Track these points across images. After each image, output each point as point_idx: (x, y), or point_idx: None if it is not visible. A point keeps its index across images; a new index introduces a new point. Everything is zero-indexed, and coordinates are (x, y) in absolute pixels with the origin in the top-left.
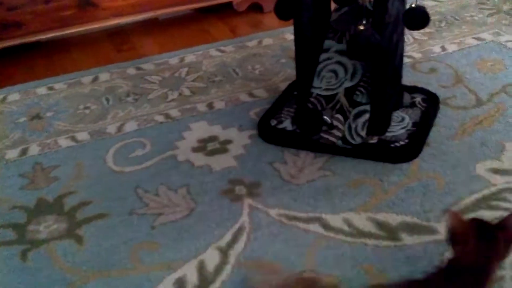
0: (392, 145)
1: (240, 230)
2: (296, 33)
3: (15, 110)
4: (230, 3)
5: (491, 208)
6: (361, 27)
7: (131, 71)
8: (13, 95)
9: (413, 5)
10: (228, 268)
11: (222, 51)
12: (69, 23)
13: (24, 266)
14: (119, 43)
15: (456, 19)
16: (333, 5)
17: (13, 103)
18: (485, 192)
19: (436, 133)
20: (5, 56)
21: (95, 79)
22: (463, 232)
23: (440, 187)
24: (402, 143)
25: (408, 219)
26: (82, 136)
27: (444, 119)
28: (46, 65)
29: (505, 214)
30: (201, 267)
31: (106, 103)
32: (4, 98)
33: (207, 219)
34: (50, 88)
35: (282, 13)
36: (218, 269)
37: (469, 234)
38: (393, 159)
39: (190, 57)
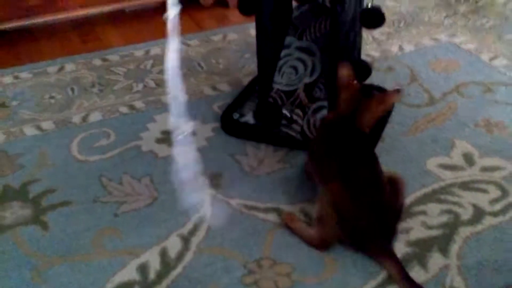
0: None
1: (201, 218)
2: (257, 29)
3: None
4: None
5: (440, 201)
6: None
7: (97, 62)
8: None
9: (369, 5)
10: (189, 255)
11: (187, 45)
12: (35, 13)
13: None
14: (85, 33)
15: (414, 20)
16: (294, 3)
17: None
18: (435, 186)
19: (391, 129)
20: None
21: (61, 69)
22: (348, 82)
23: None
24: None
25: None
26: (47, 125)
27: (398, 116)
28: (11, 54)
29: (453, 207)
30: (163, 254)
31: (71, 93)
32: None
33: (170, 208)
34: (16, 77)
35: (245, 8)
36: (180, 255)
37: (352, 85)
38: None
39: (155, 49)
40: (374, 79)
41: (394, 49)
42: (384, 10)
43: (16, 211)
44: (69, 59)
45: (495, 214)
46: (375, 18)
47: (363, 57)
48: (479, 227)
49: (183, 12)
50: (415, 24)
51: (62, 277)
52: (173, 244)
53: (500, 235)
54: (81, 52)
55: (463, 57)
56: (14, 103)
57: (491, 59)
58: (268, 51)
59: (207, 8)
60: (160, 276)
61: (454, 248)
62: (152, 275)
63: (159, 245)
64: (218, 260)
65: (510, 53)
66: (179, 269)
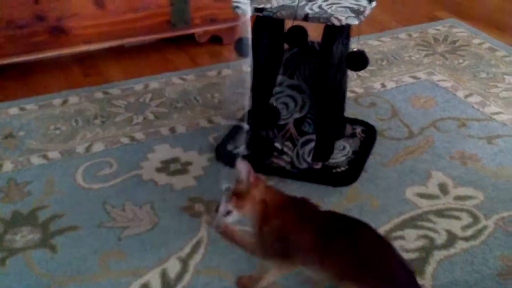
0: (334, 171)
1: (198, 242)
2: (252, 69)
3: None
4: (192, 35)
5: (417, 227)
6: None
7: (99, 95)
8: None
9: (354, 50)
10: (188, 276)
11: (184, 79)
12: (41, 48)
13: (3, 271)
14: (87, 68)
15: (396, 59)
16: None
17: None
18: (412, 213)
19: (373, 160)
20: None
21: (65, 101)
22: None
23: (374, 208)
24: (342, 169)
25: None
26: (53, 155)
27: (380, 148)
28: (18, 87)
29: (428, 232)
30: (163, 274)
31: (75, 125)
32: None
33: (169, 232)
34: (22, 109)
35: (241, 51)
36: (179, 276)
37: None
38: (335, 183)
39: (154, 84)
40: (358, 114)
41: (377, 86)
42: (367, 50)
43: (26, 235)
44: (73, 92)
45: (466, 239)
46: (360, 61)
47: (348, 93)
48: (452, 251)
49: (178, 48)
50: (397, 62)
51: None
52: (173, 266)
53: (471, 258)
54: (84, 86)
55: (440, 94)
56: (21, 133)
57: (466, 96)
58: (261, 88)
59: (202, 44)
60: None
61: (429, 269)
62: None
63: (160, 266)
64: (215, 280)
65: (484, 91)
66: None
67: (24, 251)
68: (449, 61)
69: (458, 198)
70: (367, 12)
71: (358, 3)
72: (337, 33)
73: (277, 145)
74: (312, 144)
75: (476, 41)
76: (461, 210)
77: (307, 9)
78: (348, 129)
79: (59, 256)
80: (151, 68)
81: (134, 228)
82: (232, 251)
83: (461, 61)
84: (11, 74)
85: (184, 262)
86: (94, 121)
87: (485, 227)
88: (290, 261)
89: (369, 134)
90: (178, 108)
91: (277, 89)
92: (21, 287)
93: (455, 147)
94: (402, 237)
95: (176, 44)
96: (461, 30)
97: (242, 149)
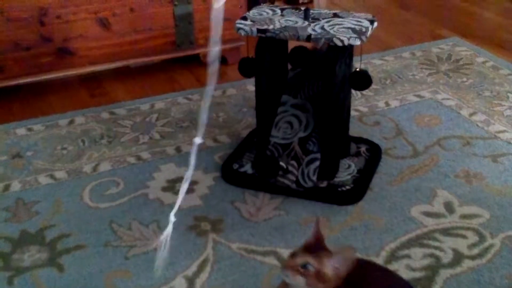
0: (339, 189)
1: (204, 261)
2: (256, 89)
3: None
4: (197, 55)
5: (423, 245)
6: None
7: (105, 115)
8: None
9: (357, 69)
10: None
11: (189, 99)
12: (47, 69)
13: None
14: (92, 88)
15: (400, 78)
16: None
17: None
18: (418, 232)
19: (378, 179)
20: None
21: (71, 122)
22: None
23: (379, 226)
24: (348, 187)
25: None
26: (60, 174)
27: (385, 167)
28: (24, 108)
29: (434, 251)
30: None
31: (81, 145)
32: None
33: (175, 251)
34: (29, 129)
35: (245, 71)
36: None
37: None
38: (340, 202)
39: (159, 104)
40: (362, 133)
41: (381, 104)
42: (371, 69)
43: (33, 254)
44: (79, 112)
45: (473, 258)
46: (363, 81)
47: (352, 112)
48: (458, 270)
49: (184, 68)
50: (400, 81)
51: None
52: (180, 285)
53: (477, 277)
54: (90, 106)
55: (445, 113)
56: (28, 153)
57: (471, 114)
58: (266, 108)
59: (207, 64)
60: None
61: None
62: None
63: (166, 285)
64: None
65: (488, 109)
66: None
67: (32, 270)
68: (452, 79)
69: (464, 216)
70: (369, 32)
71: (360, 24)
72: (340, 54)
73: (282, 164)
74: (317, 163)
75: (480, 59)
76: (467, 228)
77: (309, 30)
78: (353, 147)
79: (66, 275)
80: (156, 88)
81: (140, 247)
82: (237, 270)
83: (464, 79)
84: (18, 95)
85: (191, 281)
86: (100, 141)
87: (491, 246)
88: None
89: (374, 152)
90: (183, 127)
91: (281, 108)
92: None
93: (460, 165)
94: (408, 256)
95: (181, 64)
96: (464, 48)
97: (247, 167)
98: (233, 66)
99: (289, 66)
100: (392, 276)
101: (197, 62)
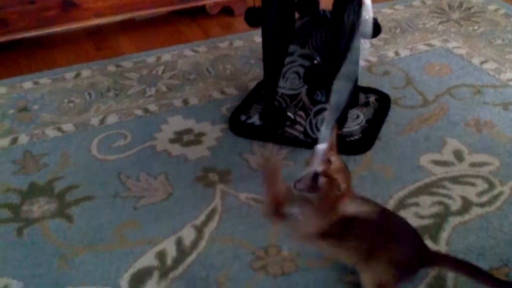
0: (348, 139)
1: (213, 211)
2: (263, 39)
3: (3, 103)
4: (203, 6)
5: (431, 193)
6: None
7: (111, 68)
8: (1, 88)
9: (366, 17)
10: (203, 243)
11: (196, 51)
12: (52, 23)
13: (21, 241)
14: (98, 41)
15: (410, 27)
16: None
17: (1, 96)
18: (427, 180)
19: (387, 129)
20: None
21: (77, 75)
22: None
23: (388, 176)
24: (356, 137)
25: None
26: (68, 127)
27: (394, 117)
28: (30, 62)
29: (443, 199)
30: (179, 242)
31: (88, 98)
32: None
33: (184, 202)
34: (36, 83)
35: (251, 21)
36: (194, 243)
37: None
38: (348, 152)
39: (166, 56)
40: (371, 83)
41: (391, 54)
42: (380, 18)
43: (42, 205)
44: (85, 65)
45: (481, 205)
46: (372, 29)
47: (361, 62)
48: (466, 217)
49: (190, 20)
50: (410, 30)
51: (88, 264)
52: (188, 234)
53: (485, 224)
54: (96, 59)
55: (455, 62)
56: (35, 107)
57: (482, 63)
58: (273, 58)
59: (213, 16)
60: (177, 262)
61: (444, 235)
62: (169, 261)
63: (175, 235)
64: (229, 248)
65: (499, 57)
66: (193, 255)
67: (41, 221)
68: (464, 28)
69: (473, 164)
70: None
71: None
72: (348, 2)
73: (290, 114)
74: (325, 113)
75: (491, 7)
76: (477, 176)
77: None
78: (362, 98)
79: (75, 226)
80: (162, 41)
81: (149, 197)
82: (246, 219)
83: (476, 27)
84: (23, 49)
85: (199, 230)
86: (107, 94)
87: (500, 193)
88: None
89: (383, 102)
90: (190, 80)
91: (288, 58)
92: (38, 256)
93: (470, 114)
94: (416, 204)
95: (187, 16)
96: None
97: (255, 119)
98: (240, 18)
99: (297, 15)
100: (397, 219)
101: (204, 14)
